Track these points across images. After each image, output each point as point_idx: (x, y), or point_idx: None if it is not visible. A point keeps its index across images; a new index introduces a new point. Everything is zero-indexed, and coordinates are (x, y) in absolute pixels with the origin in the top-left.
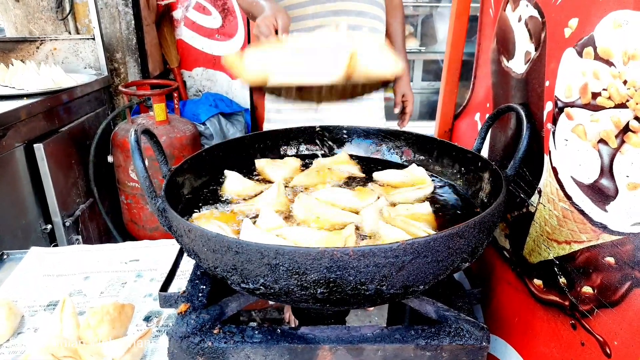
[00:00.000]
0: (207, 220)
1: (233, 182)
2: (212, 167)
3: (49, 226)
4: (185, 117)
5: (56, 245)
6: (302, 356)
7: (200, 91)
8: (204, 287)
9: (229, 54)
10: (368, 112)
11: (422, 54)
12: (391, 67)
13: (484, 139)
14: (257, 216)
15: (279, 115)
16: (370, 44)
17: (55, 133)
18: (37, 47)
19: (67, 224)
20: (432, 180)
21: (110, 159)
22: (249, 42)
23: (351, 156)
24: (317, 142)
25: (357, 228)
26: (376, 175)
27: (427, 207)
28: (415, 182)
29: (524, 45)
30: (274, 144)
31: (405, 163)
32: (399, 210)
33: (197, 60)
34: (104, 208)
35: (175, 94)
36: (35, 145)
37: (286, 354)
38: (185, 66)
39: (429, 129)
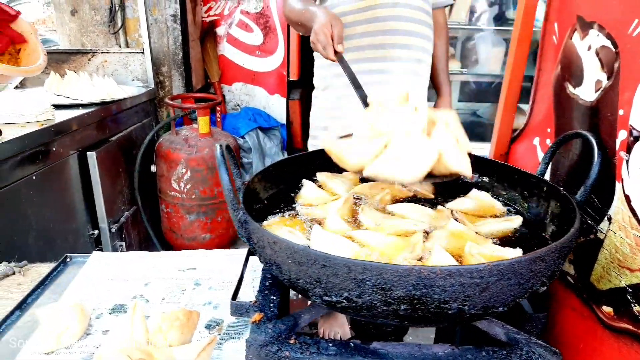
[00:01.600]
0: (277, 226)
1: (309, 191)
2: (278, 180)
3: (96, 232)
4: (226, 130)
5: (101, 250)
6: None
7: (238, 105)
8: (274, 297)
9: (334, 145)
10: None
11: (461, 75)
12: (468, 169)
13: (548, 163)
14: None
15: (325, 133)
16: (453, 144)
17: (106, 142)
18: (89, 59)
19: (113, 230)
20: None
21: (153, 168)
22: (288, 59)
23: None
24: None
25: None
26: (451, 205)
27: (518, 253)
28: (484, 208)
29: (594, 73)
30: None
31: (465, 181)
32: (482, 250)
33: (237, 75)
34: (145, 216)
35: (218, 108)
36: (88, 153)
37: None
38: (225, 81)
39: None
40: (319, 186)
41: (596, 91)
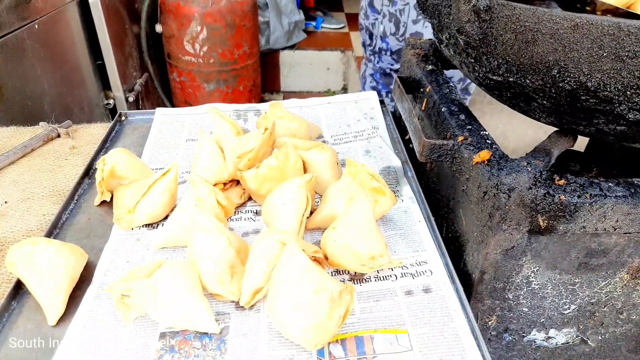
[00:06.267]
0: None
1: None
2: None
3: (112, 101)
4: None
5: None
6: None
7: None
8: (484, 132)
9: None
10: None
11: None
12: None
13: None
14: None
15: None
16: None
17: None
18: None
19: (130, 99)
20: None
21: (159, 28)
22: None
23: None
24: None
25: None
26: None
27: None
28: None
29: None
30: None
31: None
32: None
33: None
34: (158, 84)
35: None
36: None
37: None
38: None
39: None
40: None
41: None
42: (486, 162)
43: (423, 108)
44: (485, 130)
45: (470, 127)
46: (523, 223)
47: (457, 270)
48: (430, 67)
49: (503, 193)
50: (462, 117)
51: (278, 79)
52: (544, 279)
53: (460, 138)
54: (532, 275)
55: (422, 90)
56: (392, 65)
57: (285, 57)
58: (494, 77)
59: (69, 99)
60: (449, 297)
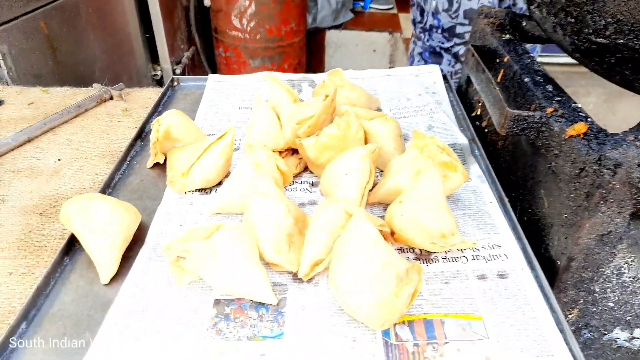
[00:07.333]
0: None
1: None
2: None
3: (159, 72)
4: None
5: None
6: None
7: None
8: (576, 105)
9: None
10: None
11: None
12: None
13: None
14: None
15: None
16: None
17: None
18: None
19: (177, 71)
20: None
21: (207, 2)
22: None
23: None
24: None
25: None
26: None
27: None
28: None
29: None
30: None
31: None
32: None
33: None
34: (204, 59)
35: None
36: None
37: None
38: None
39: None
40: None
41: None
42: (582, 135)
43: (499, 80)
44: (576, 102)
45: (559, 98)
46: (626, 205)
47: (537, 256)
48: (507, 36)
49: (607, 169)
50: (549, 88)
51: (323, 59)
52: (638, 272)
53: (550, 109)
54: (625, 266)
55: (497, 61)
56: (442, 43)
57: (331, 36)
58: (598, 40)
59: (118, 67)
60: (528, 284)
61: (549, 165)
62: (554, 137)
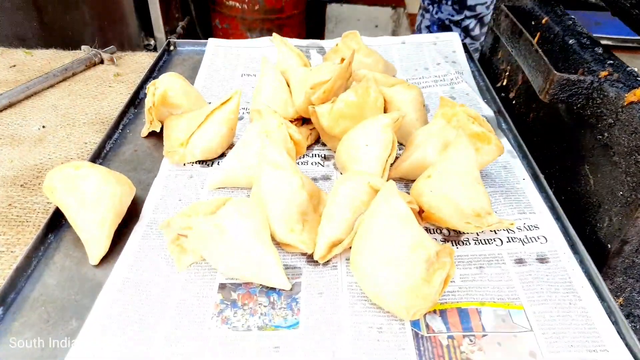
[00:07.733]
0: None
1: None
2: None
3: (152, 42)
4: None
5: None
6: None
7: None
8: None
9: None
10: None
11: None
12: None
13: None
14: None
15: None
16: None
17: None
18: None
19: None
20: None
21: None
22: None
23: None
24: None
25: None
26: None
27: None
28: None
29: None
30: None
31: None
32: None
33: None
34: (200, 31)
35: None
36: None
37: None
38: None
39: None
40: None
41: None
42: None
43: (535, 42)
44: (630, 66)
45: (611, 61)
46: None
47: (580, 239)
48: None
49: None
50: (599, 50)
51: (322, 34)
52: None
53: (603, 73)
54: None
55: (533, 23)
56: (452, 16)
57: (332, 10)
58: None
59: (109, 34)
60: (572, 269)
61: (599, 137)
62: (609, 105)
